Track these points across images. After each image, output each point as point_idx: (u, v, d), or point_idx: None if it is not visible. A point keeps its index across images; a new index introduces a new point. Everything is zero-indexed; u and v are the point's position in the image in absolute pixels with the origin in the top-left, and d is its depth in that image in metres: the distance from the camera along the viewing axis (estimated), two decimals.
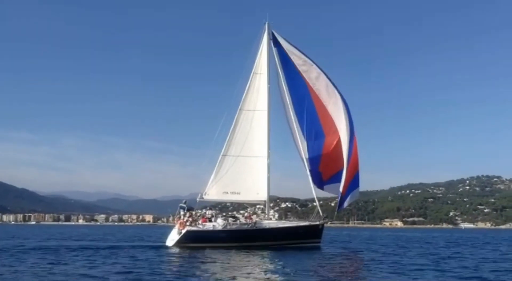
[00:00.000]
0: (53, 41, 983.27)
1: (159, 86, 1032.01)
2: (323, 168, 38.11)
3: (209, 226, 33.84)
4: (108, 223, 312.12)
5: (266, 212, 39.19)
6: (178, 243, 32.59)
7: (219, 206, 36.43)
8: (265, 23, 39.74)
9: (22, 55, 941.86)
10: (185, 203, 35.65)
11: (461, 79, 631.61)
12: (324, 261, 26.52)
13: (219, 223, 34.05)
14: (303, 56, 38.48)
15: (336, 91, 38.00)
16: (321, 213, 37.83)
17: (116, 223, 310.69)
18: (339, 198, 37.40)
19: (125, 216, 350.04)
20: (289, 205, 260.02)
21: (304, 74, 38.24)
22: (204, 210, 36.35)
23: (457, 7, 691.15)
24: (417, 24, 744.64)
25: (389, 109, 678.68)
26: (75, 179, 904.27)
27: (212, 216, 35.40)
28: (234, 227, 34.29)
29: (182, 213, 34.68)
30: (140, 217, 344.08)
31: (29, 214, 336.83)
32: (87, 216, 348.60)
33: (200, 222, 33.77)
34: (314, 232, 36.65)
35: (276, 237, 35.38)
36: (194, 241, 32.38)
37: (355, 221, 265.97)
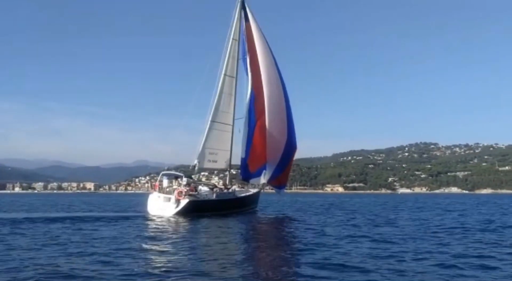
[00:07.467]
0: None
1: (97, 47, 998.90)
2: (251, 160, 38.47)
3: (202, 195, 34.11)
4: (46, 191, 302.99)
5: (228, 180, 40.50)
6: (180, 213, 31.21)
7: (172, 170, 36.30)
8: None
9: None
10: (167, 170, 34.82)
11: (403, 48, 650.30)
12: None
13: (213, 192, 35.01)
14: (261, 40, 37.72)
15: (280, 83, 37.88)
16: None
17: (55, 191, 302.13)
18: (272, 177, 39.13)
19: (64, 184, 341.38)
20: (234, 172, 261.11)
21: (252, 62, 37.80)
22: (185, 178, 34.07)
23: None
24: None
25: (334, 76, 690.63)
26: (12, 146, 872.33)
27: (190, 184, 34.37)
28: (223, 197, 35.69)
29: (165, 181, 34.00)
30: (81, 185, 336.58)
31: None
32: (24, 184, 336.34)
33: (188, 190, 32.69)
34: (257, 198, 42.02)
35: (247, 204, 38.95)
36: (194, 210, 31.81)
37: (298, 187, 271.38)
